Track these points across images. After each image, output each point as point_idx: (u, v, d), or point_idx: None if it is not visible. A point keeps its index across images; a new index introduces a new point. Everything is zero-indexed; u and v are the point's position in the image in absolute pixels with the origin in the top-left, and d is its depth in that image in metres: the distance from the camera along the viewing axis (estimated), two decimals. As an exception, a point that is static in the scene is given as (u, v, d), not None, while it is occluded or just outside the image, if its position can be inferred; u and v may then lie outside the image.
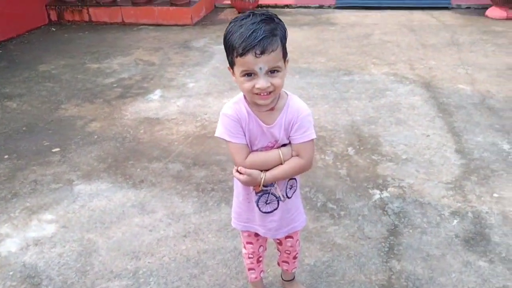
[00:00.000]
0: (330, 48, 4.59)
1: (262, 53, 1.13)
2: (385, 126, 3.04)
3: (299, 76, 3.91)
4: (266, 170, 1.32)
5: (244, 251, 1.64)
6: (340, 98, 3.46)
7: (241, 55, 1.14)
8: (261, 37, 1.12)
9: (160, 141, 2.97)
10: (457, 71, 3.85)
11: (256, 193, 1.41)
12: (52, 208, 2.35)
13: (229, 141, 1.32)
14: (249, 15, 1.18)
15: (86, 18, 5.89)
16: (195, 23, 5.66)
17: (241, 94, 1.33)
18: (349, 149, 2.79)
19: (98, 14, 5.82)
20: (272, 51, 1.14)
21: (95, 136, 3.07)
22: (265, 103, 1.23)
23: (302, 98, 1.41)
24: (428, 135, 2.90)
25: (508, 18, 5.09)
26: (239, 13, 6.03)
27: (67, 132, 3.14)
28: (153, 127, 3.15)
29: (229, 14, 6.04)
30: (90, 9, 5.83)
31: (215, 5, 6.39)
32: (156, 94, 3.69)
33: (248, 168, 1.32)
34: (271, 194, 1.41)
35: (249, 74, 1.18)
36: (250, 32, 1.12)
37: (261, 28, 1.12)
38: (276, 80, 1.19)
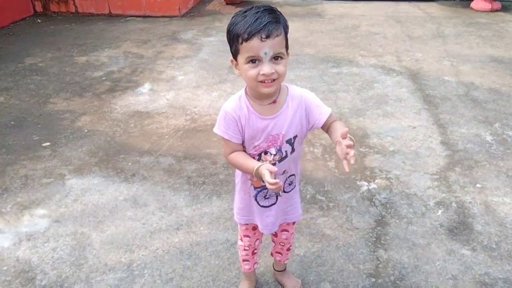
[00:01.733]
0: (319, 40, 4.62)
1: (268, 37, 1.16)
2: (372, 118, 3.09)
3: (288, 68, 3.94)
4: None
5: (240, 243, 1.69)
6: (329, 91, 3.51)
7: (247, 39, 1.17)
8: (266, 22, 1.16)
9: (150, 134, 2.98)
10: (442, 63, 3.92)
11: (255, 187, 1.45)
12: (44, 203, 2.36)
13: (223, 137, 1.36)
14: (252, 8, 1.22)
15: (72, 9, 5.82)
16: (182, 14, 5.64)
17: (242, 90, 1.36)
18: (338, 141, 2.84)
19: (85, 5, 5.75)
20: (277, 36, 1.18)
21: (85, 130, 3.07)
22: (269, 91, 1.25)
23: (292, 95, 1.43)
24: (414, 127, 2.96)
25: (492, 10, 5.17)
26: (226, 4, 6.01)
27: (57, 126, 3.14)
28: (143, 120, 3.16)
29: (217, 6, 6.01)
30: (77, 0, 5.75)
31: (203, -4, 6.36)
32: (146, 88, 3.69)
33: (229, 163, 1.38)
34: None
35: (253, 60, 1.20)
36: (255, 19, 1.16)
37: (265, 15, 1.17)
38: (280, 68, 1.22)
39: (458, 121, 3.02)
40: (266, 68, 1.20)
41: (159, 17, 5.58)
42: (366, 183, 2.44)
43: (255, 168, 1.28)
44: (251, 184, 1.45)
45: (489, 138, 2.81)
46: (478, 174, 2.48)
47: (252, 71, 1.21)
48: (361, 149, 2.75)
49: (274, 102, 1.33)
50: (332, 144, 2.80)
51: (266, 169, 1.22)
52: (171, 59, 4.27)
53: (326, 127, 1.37)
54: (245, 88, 1.35)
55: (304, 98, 1.37)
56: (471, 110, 3.15)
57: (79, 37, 4.97)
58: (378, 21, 5.10)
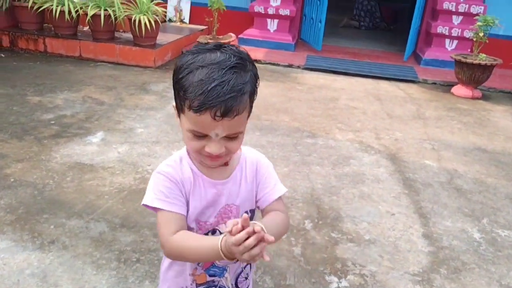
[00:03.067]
0: (296, 108, 4.38)
1: (224, 115, 0.85)
2: (347, 199, 2.73)
3: (260, 133, 3.63)
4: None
5: None
6: (302, 162, 3.17)
7: (196, 111, 0.85)
8: (226, 97, 0.84)
9: (87, 192, 2.52)
10: (423, 146, 3.69)
11: (198, 285, 1.03)
12: None
13: (160, 209, 0.96)
14: (216, 50, 0.89)
15: (42, 48, 5.48)
16: (157, 66, 5.37)
17: (183, 150, 1.03)
18: (307, 222, 2.45)
19: (55, 45, 5.44)
20: (237, 114, 0.86)
21: (12, 180, 2.59)
22: (214, 165, 0.96)
23: (247, 167, 1.07)
24: (393, 214, 2.61)
25: (473, 98, 5.12)
26: (206, 62, 5.81)
27: (-22, 171, 2.64)
28: (84, 174, 2.70)
29: (196, 62, 5.81)
30: (47, 39, 5.44)
31: (182, 51, 6.16)
32: (97, 137, 3.26)
33: (171, 251, 0.96)
34: (219, 287, 1.04)
35: (198, 135, 0.89)
36: (213, 84, 0.83)
37: (229, 80, 0.84)
38: (232, 145, 0.92)
39: (441, 211, 2.68)
40: (214, 147, 0.89)
41: (132, 66, 5.29)
42: (336, 279, 2.01)
43: (220, 241, 0.86)
44: (193, 281, 1.02)
45: (477, 235, 2.47)
46: (466, 280, 2.09)
47: (194, 143, 0.91)
48: (332, 234, 2.35)
49: (226, 164, 1.00)
50: (300, 225, 2.40)
51: (233, 225, 0.82)
52: (134, 109, 3.90)
53: (266, 212, 1.04)
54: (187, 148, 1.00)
55: (260, 165, 1.05)
56: (455, 200, 2.84)
57: (40, 77, 4.59)
58: (358, 96, 4.95)
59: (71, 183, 2.60)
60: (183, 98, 0.88)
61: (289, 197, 2.67)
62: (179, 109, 0.93)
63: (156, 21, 5.21)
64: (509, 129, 4.26)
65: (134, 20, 5.06)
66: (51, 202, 2.39)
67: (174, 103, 0.98)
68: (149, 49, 5.30)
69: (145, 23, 5.03)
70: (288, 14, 6.51)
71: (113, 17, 5.22)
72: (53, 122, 3.47)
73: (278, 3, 6.52)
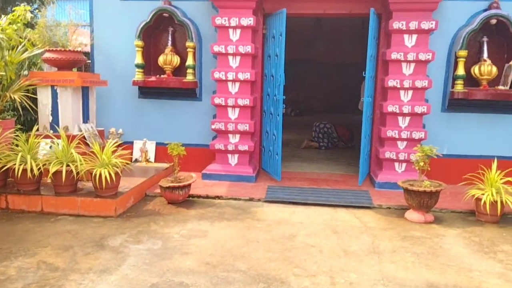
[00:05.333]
0: (253, 252, 4.43)
1: None
2: None
3: (215, 290, 3.61)
4: None
5: None
6: (254, 324, 3.12)
7: None
8: None
9: None
10: None
11: None
12: None
13: None
14: None
15: (3, 205, 5.54)
16: (119, 214, 5.46)
17: None
18: None
19: (17, 201, 5.52)
20: None
21: None
22: None
23: None
24: None
25: (426, 222, 5.30)
26: (168, 203, 5.96)
27: None
28: None
29: (158, 205, 5.93)
30: (9, 196, 5.53)
31: (145, 194, 6.33)
32: (44, 316, 3.18)
33: None
34: None
35: None
36: None
37: None
38: None
39: None
40: None
41: (93, 216, 5.36)
42: None
43: None
44: None
45: None
46: None
47: None
48: None
49: None
50: None
51: None
52: (88, 273, 3.87)
53: None
54: None
55: None
56: None
57: (-4, 240, 4.57)
58: (316, 230, 5.07)
59: None
60: None
61: None
62: None
63: (116, 173, 5.43)
64: (460, 258, 4.37)
65: (95, 175, 5.27)
66: None
67: None
68: (110, 199, 5.43)
69: (105, 177, 5.23)
70: (247, 149, 6.91)
71: (75, 172, 5.42)
72: (0, 300, 3.39)
73: (237, 140, 6.95)
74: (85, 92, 6.88)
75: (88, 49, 7.54)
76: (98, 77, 7.08)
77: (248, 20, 6.62)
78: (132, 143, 7.57)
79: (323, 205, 5.98)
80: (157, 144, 7.54)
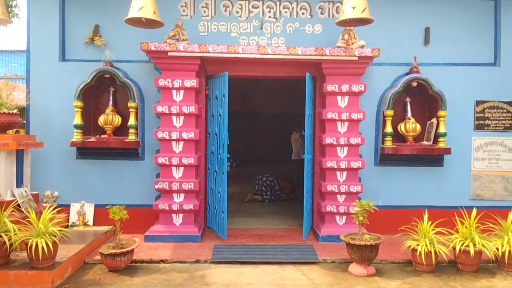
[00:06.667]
0: (203, 320, 4.32)
1: None
2: None
3: None
4: None
5: None
6: None
7: None
8: None
9: None
10: None
11: None
12: None
13: None
14: None
15: None
16: (56, 286, 5.11)
17: None
18: None
19: None
20: None
21: None
22: None
23: None
24: None
25: (368, 275, 5.52)
26: (110, 271, 5.68)
27: None
28: None
29: (98, 273, 5.63)
30: None
31: (84, 261, 5.99)
32: None
33: None
34: None
35: None
36: None
37: None
38: None
39: None
40: None
41: (27, 290, 4.97)
42: None
43: None
44: None
45: None
46: None
47: None
48: None
49: None
50: None
51: None
52: None
53: None
54: None
55: None
56: None
57: None
58: (265, 291, 5.08)
59: None
60: None
61: None
62: None
63: (54, 242, 5.13)
64: (403, 311, 4.58)
65: (31, 245, 4.95)
66: None
67: None
68: (47, 270, 5.08)
69: (42, 247, 4.92)
70: (192, 208, 6.86)
71: (8, 243, 5.06)
72: None
73: (182, 199, 6.89)
74: (19, 155, 6.55)
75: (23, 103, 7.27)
76: (34, 138, 6.80)
77: (192, 82, 6.81)
78: (69, 206, 7.21)
79: (270, 263, 6.02)
80: (96, 206, 7.25)
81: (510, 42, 7.46)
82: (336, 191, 6.92)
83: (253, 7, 7.41)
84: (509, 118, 7.47)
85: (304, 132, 7.05)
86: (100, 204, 7.12)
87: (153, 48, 6.67)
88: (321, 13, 7.43)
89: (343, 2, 5.89)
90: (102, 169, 7.38)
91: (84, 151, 7.28)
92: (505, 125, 7.48)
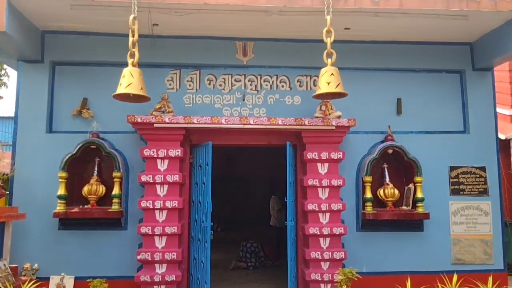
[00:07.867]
0: None
1: None
2: None
3: None
4: None
5: None
6: None
7: None
8: None
9: None
10: None
11: None
12: None
13: None
14: None
15: None
16: None
17: None
18: None
19: None
20: None
21: None
22: None
23: None
24: None
25: None
26: None
27: None
28: None
29: None
30: None
31: None
32: None
33: None
34: None
35: None
36: None
37: None
38: None
39: None
40: None
41: None
42: None
43: None
44: None
45: None
46: None
47: None
48: None
49: None
50: None
51: None
52: None
53: None
54: None
55: None
56: None
57: None
58: None
59: None
60: None
61: None
62: None
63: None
64: None
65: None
66: None
67: None
68: None
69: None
70: (174, 279, 6.75)
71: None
72: None
73: (164, 269, 6.80)
74: (0, 227, 6.48)
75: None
76: (16, 210, 6.77)
77: (176, 151, 7.01)
78: (48, 279, 7.02)
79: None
80: (77, 278, 7.05)
81: (477, 111, 7.97)
82: (320, 258, 6.94)
83: (235, 80, 7.85)
84: (482, 182, 7.78)
85: (286, 199, 7.19)
86: (80, 276, 6.97)
87: (139, 120, 6.93)
88: (300, 86, 7.89)
89: (319, 77, 6.31)
90: (84, 240, 7.28)
91: (66, 222, 7.22)
92: (479, 190, 7.76)
